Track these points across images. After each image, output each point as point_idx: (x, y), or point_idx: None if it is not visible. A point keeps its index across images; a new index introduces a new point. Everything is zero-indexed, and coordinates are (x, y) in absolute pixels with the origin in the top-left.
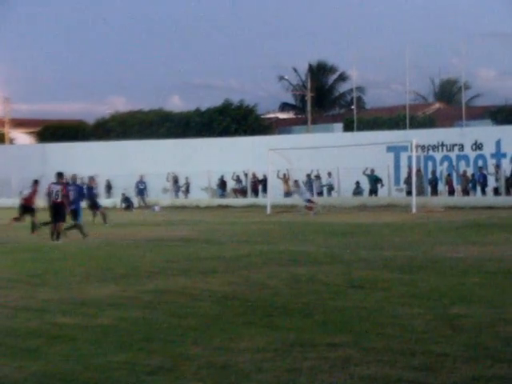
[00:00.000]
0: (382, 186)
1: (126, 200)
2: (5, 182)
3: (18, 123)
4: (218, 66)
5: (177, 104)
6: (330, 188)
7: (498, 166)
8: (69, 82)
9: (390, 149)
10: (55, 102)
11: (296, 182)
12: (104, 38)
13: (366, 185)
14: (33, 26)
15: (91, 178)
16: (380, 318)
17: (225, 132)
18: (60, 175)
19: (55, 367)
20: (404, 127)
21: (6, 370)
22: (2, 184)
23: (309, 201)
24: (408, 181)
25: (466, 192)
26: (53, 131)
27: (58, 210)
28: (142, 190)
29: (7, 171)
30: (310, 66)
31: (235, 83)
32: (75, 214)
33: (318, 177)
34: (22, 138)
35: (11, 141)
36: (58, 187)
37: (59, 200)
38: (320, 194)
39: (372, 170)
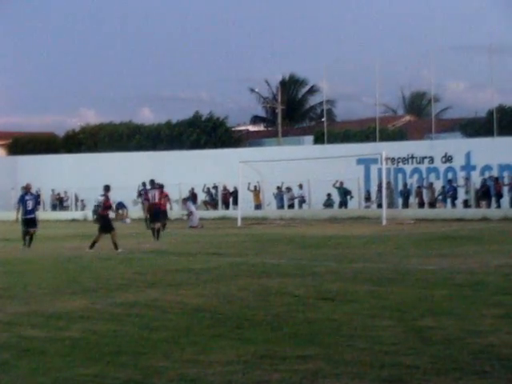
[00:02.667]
0: (351, 197)
1: (97, 211)
2: None
3: None
4: (189, 79)
5: (147, 116)
6: (301, 200)
7: (467, 179)
8: (39, 95)
9: (360, 161)
10: (25, 114)
11: (184, 199)
12: (74, 50)
13: (336, 197)
14: (2, 39)
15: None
16: (350, 330)
17: (195, 144)
18: (107, 188)
19: (24, 381)
20: (374, 140)
21: None
22: None
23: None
24: (377, 193)
25: (432, 204)
26: (23, 144)
27: (107, 221)
28: (121, 202)
29: None
30: (282, 79)
31: (206, 95)
32: (34, 222)
33: (288, 189)
34: None
35: None
36: (102, 199)
37: (105, 212)
38: (291, 206)
39: (341, 183)
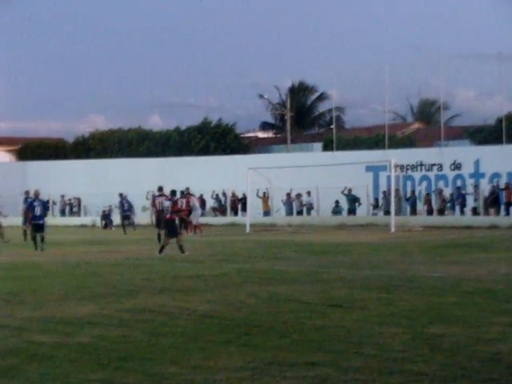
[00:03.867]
0: (360, 205)
1: (106, 217)
2: None
3: None
4: (198, 85)
5: (156, 123)
6: (310, 207)
7: (476, 186)
8: (49, 101)
9: (368, 168)
10: (35, 120)
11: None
12: (84, 56)
13: (345, 204)
14: (12, 44)
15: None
16: (358, 337)
17: (204, 151)
18: (160, 189)
19: None
20: (383, 147)
21: None
22: None
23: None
24: (385, 200)
25: (441, 212)
26: (32, 149)
27: (173, 225)
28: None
29: None
30: (292, 86)
31: (215, 102)
32: (42, 227)
33: (298, 196)
34: (1, 156)
35: None
36: (169, 203)
37: (172, 216)
38: (300, 213)
39: (349, 190)
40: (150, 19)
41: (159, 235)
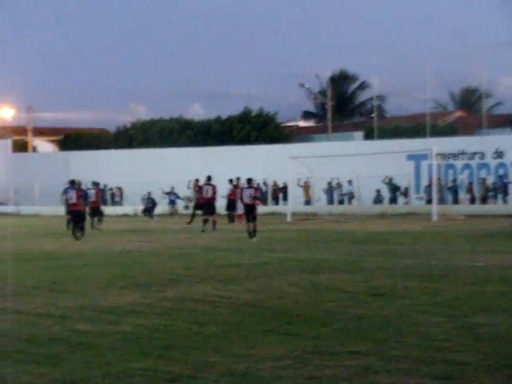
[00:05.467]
0: (401, 193)
1: (150, 202)
2: (28, 190)
3: (41, 131)
4: (239, 74)
5: (197, 112)
6: (351, 196)
7: None
8: (91, 91)
9: (410, 157)
10: (77, 110)
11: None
12: (126, 46)
13: (386, 193)
14: (55, 35)
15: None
16: (400, 327)
17: (245, 140)
18: (250, 181)
19: (76, 374)
20: (424, 135)
21: (27, 377)
22: (25, 192)
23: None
24: (428, 189)
25: (484, 200)
26: (75, 139)
27: (252, 210)
28: (173, 200)
29: (30, 179)
30: (333, 75)
31: (256, 91)
32: (82, 216)
33: (338, 185)
34: (44, 146)
35: (34, 149)
36: (251, 190)
37: (251, 202)
38: (341, 202)
39: (390, 179)
40: (191, 8)
41: (205, 220)
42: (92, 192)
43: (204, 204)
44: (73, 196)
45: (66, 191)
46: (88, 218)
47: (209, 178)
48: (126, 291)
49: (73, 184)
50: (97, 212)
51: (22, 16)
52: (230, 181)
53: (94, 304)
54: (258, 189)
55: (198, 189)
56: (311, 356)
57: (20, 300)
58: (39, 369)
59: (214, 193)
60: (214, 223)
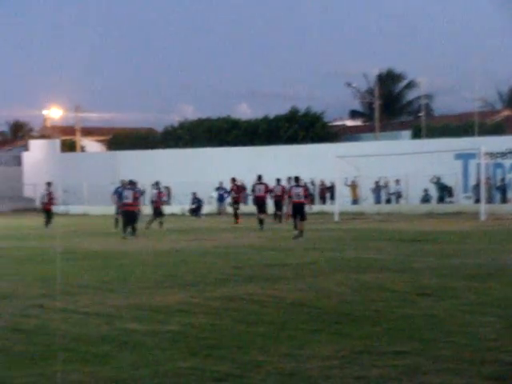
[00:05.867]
0: (449, 193)
1: (197, 201)
2: (76, 190)
3: (89, 131)
4: (286, 74)
5: (245, 112)
6: (398, 195)
7: None
8: (138, 91)
9: (458, 156)
10: (125, 110)
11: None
12: (173, 46)
13: (434, 192)
14: (103, 36)
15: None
16: (449, 326)
17: (292, 139)
18: (297, 179)
19: (124, 373)
20: (472, 134)
21: (76, 376)
22: (73, 192)
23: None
24: (476, 188)
25: None
26: (122, 139)
27: (300, 210)
28: (222, 197)
29: (78, 179)
30: (379, 74)
31: (303, 90)
32: (134, 216)
33: (386, 184)
34: (92, 145)
35: (82, 149)
36: (300, 189)
37: (300, 200)
38: (388, 201)
39: (438, 178)
40: (239, 9)
41: (260, 219)
42: (154, 193)
43: (257, 202)
44: (129, 196)
45: (117, 191)
46: (152, 217)
47: (259, 178)
48: (174, 290)
49: (131, 184)
50: (158, 212)
51: (71, 16)
52: (278, 180)
53: (142, 303)
54: (306, 188)
55: (237, 188)
56: (359, 356)
57: (69, 299)
58: (88, 367)
59: (267, 191)
60: (262, 220)
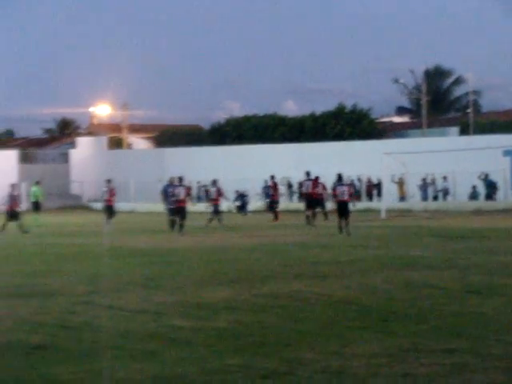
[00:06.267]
0: (497, 190)
1: (241, 203)
2: (124, 187)
3: (136, 128)
4: (332, 70)
5: (291, 108)
6: (446, 192)
7: None
8: (185, 88)
9: (506, 153)
10: (172, 107)
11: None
12: (218, 44)
13: (482, 189)
14: (151, 34)
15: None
16: (498, 324)
17: (339, 136)
18: (340, 177)
19: (172, 370)
20: None
21: (124, 373)
22: (120, 189)
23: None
24: None
25: None
26: (169, 136)
27: (344, 208)
28: (268, 194)
29: (125, 176)
30: (426, 70)
31: (349, 87)
32: (182, 212)
33: (433, 181)
34: (138, 143)
35: (129, 146)
36: (345, 188)
37: (344, 198)
38: (435, 198)
39: (486, 175)
40: (284, 6)
41: (308, 216)
42: (213, 190)
43: (306, 199)
44: (181, 192)
45: (167, 188)
46: (212, 216)
47: (308, 174)
48: (221, 287)
49: (181, 181)
50: (217, 210)
51: (120, 14)
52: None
53: (189, 300)
54: (352, 185)
55: (274, 186)
56: (407, 354)
57: (116, 296)
58: (136, 364)
59: (315, 188)
60: (309, 217)
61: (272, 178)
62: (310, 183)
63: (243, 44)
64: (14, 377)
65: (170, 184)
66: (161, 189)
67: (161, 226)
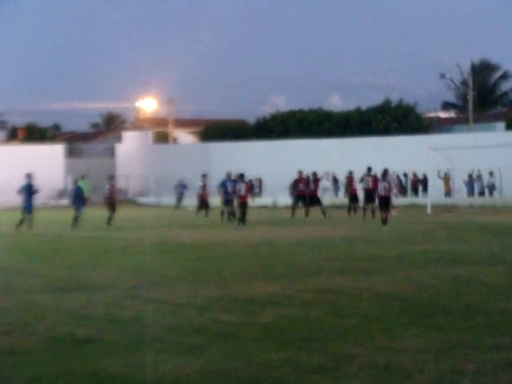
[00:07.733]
0: None
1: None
2: (168, 182)
3: (181, 123)
4: (378, 65)
5: (336, 103)
6: (492, 188)
7: None
8: (230, 82)
9: None
10: (217, 102)
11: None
12: (263, 39)
13: None
14: (195, 29)
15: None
16: None
17: (384, 131)
18: (369, 169)
19: (217, 364)
20: None
21: (170, 366)
22: (165, 183)
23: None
24: None
25: None
26: (214, 131)
27: (386, 203)
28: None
29: (171, 170)
30: (473, 65)
31: (395, 82)
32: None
33: (479, 177)
34: (184, 137)
35: (174, 140)
36: (386, 184)
37: (387, 194)
38: (481, 193)
39: None
40: (328, 1)
41: (364, 209)
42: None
43: (367, 194)
44: (242, 188)
45: (224, 183)
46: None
47: (369, 170)
48: (266, 282)
49: (242, 177)
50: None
51: (166, 9)
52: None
53: (235, 294)
54: (399, 180)
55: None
56: (453, 350)
57: (161, 290)
58: (182, 358)
59: (374, 183)
60: (366, 210)
61: (300, 173)
62: (369, 179)
63: (289, 38)
64: (62, 370)
65: (228, 178)
66: (219, 183)
67: (204, 221)
